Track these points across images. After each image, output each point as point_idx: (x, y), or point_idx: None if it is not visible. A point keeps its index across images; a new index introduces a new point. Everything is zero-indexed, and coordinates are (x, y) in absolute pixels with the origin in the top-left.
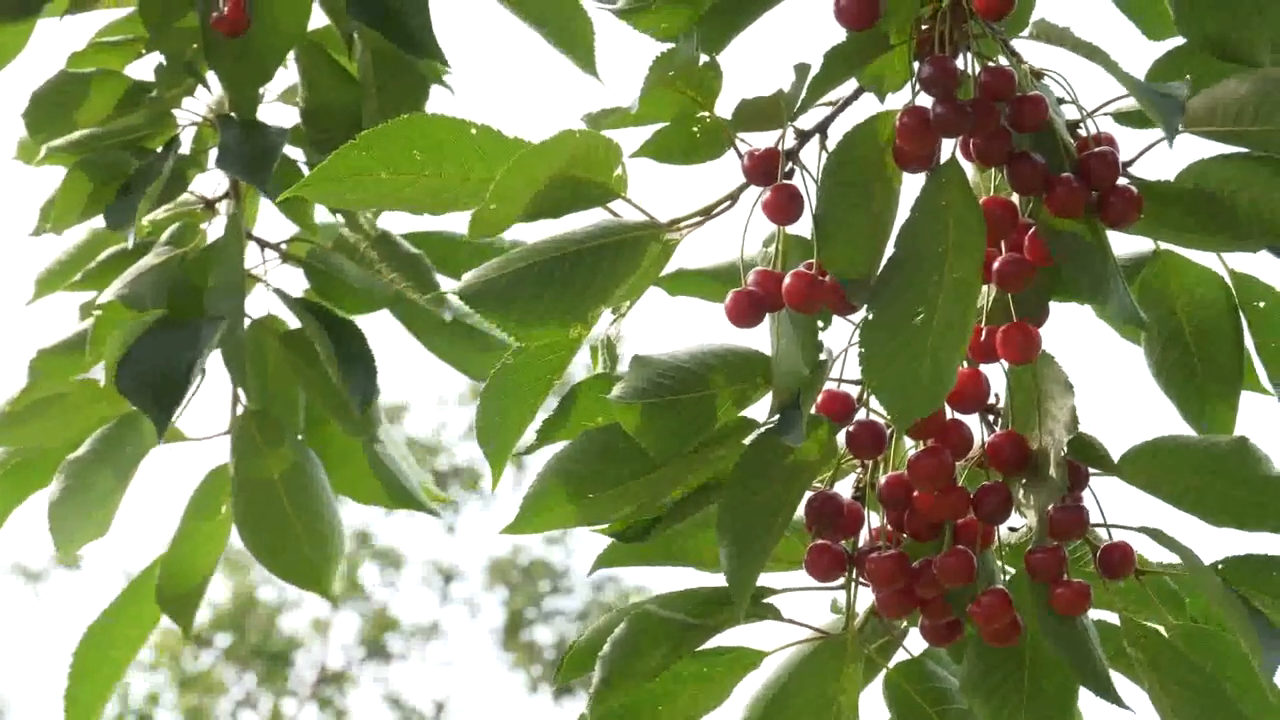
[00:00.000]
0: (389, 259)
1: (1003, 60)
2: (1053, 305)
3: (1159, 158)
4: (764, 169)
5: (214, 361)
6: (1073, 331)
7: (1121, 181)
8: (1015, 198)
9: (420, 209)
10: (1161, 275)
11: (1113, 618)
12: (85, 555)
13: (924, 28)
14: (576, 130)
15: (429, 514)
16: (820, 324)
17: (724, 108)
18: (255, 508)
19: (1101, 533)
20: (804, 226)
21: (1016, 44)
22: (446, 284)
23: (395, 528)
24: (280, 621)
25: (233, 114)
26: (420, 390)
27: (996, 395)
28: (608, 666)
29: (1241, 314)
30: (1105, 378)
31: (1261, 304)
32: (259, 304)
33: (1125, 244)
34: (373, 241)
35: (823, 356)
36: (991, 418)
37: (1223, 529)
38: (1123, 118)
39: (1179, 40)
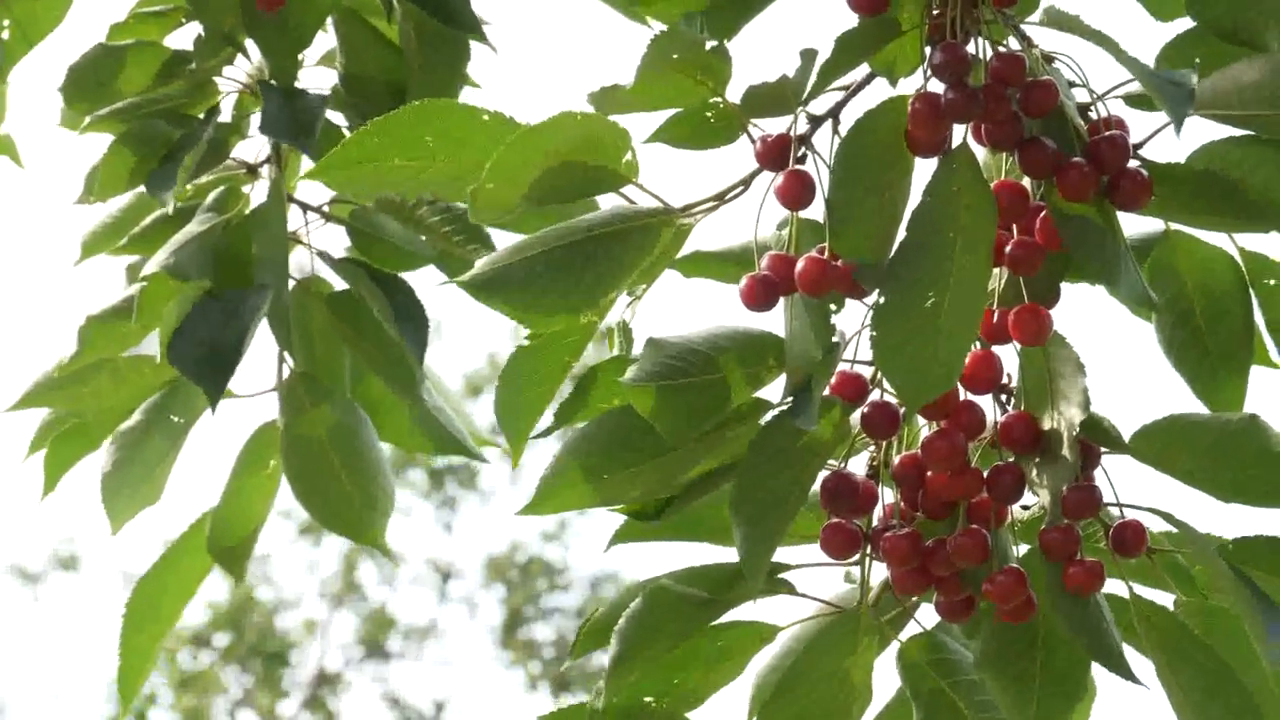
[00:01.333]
0: (441, 216)
1: (1014, 45)
2: (1065, 286)
3: (1170, 139)
4: (776, 154)
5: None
6: (1085, 311)
7: (1132, 165)
8: (1027, 182)
9: (435, 195)
10: (1172, 255)
11: (1123, 591)
12: (83, 557)
13: (935, 13)
14: (578, 112)
15: (477, 459)
16: (833, 307)
17: (737, 94)
18: (305, 465)
19: (1114, 511)
20: (816, 211)
21: (1027, 29)
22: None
23: (394, 527)
24: (278, 621)
25: (273, 81)
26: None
27: (1009, 376)
28: (624, 641)
29: (1252, 292)
30: (1118, 357)
31: (1272, 281)
32: (302, 266)
33: (1136, 224)
34: (421, 200)
35: (835, 339)
36: (1004, 398)
37: (1233, 505)
38: (1133, 100)
39: (1188, 22)
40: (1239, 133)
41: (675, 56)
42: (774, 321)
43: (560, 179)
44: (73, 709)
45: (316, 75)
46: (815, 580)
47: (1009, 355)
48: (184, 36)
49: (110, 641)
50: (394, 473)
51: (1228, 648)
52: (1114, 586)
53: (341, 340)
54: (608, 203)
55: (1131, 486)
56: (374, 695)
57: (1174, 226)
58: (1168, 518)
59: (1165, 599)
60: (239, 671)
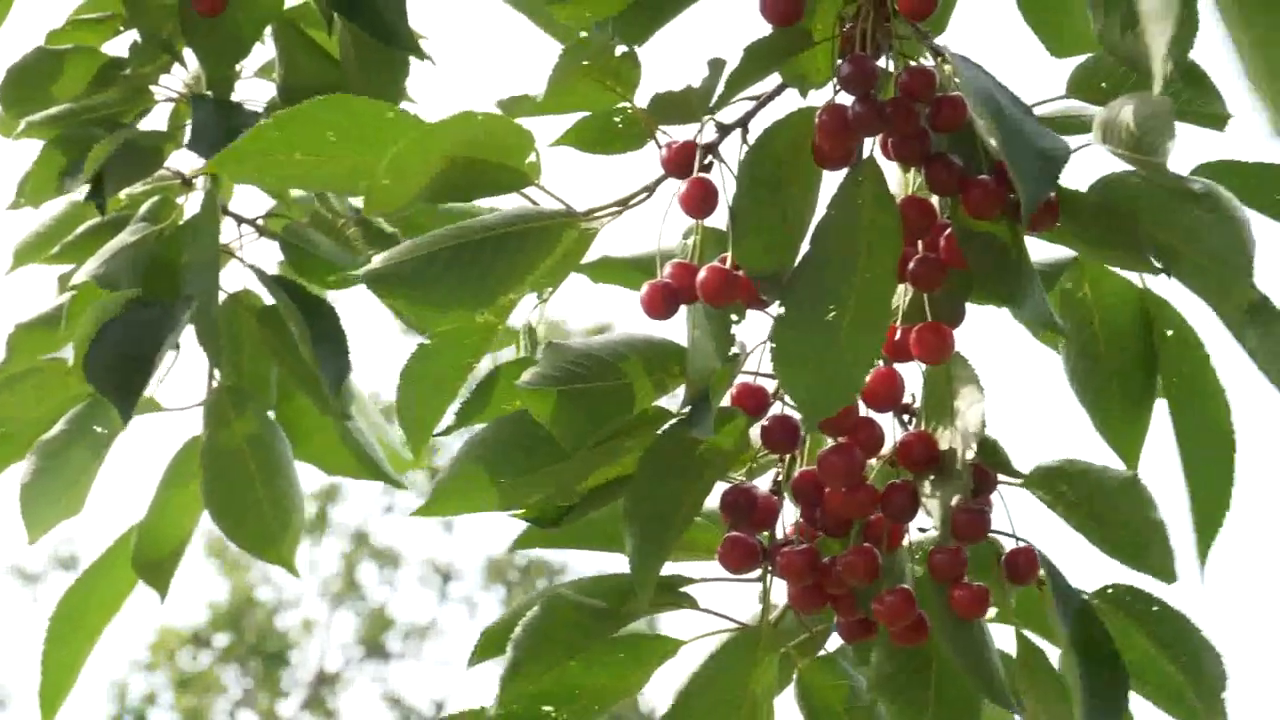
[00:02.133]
0: (366, 237)
1: (926, 60)
2: (973, 308)
3: (1083, 165)
4: (681, 161)
5: (189, 335)
6: (994, 334)
7: None
8: (934, 199)
9: (331, 189)
10: (1081, 283)
11: (1009, 632)
12: (82, 557)
13: (848, 26)
14: (478, 113)
15: (394, 485)
16: (734, 317)
17: (646, 100)
18: (223, 476)
19: (1008, 541)
20: (722, 220)
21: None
22: None
23: (393, 528)
24: (278, 621)
25: (208, 92)
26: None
27: (912, 395)
28: (519, 649)
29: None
30: (1027, 381)
31: (1170, 332)
32: (234, 279)
33: (1047, 250)
34: (349, 219)
35: (736, 350)
36: (906, 417)
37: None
38: (1045, 122)
39: (1081, 59)
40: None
41: (585, 62)
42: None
43: (460, 177)
44: (73, 708)
45: (254, 87)
46: (728, 598)
47: (914, 374)
48: (122, 44)
49: (111, 641)
50: (395, 475)
51: None
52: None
53: (270, 355)
54: (511, 204)
55: (1031, 520)
56: (374, 695)
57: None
58: (1043, 561)
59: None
60: (239, 671)
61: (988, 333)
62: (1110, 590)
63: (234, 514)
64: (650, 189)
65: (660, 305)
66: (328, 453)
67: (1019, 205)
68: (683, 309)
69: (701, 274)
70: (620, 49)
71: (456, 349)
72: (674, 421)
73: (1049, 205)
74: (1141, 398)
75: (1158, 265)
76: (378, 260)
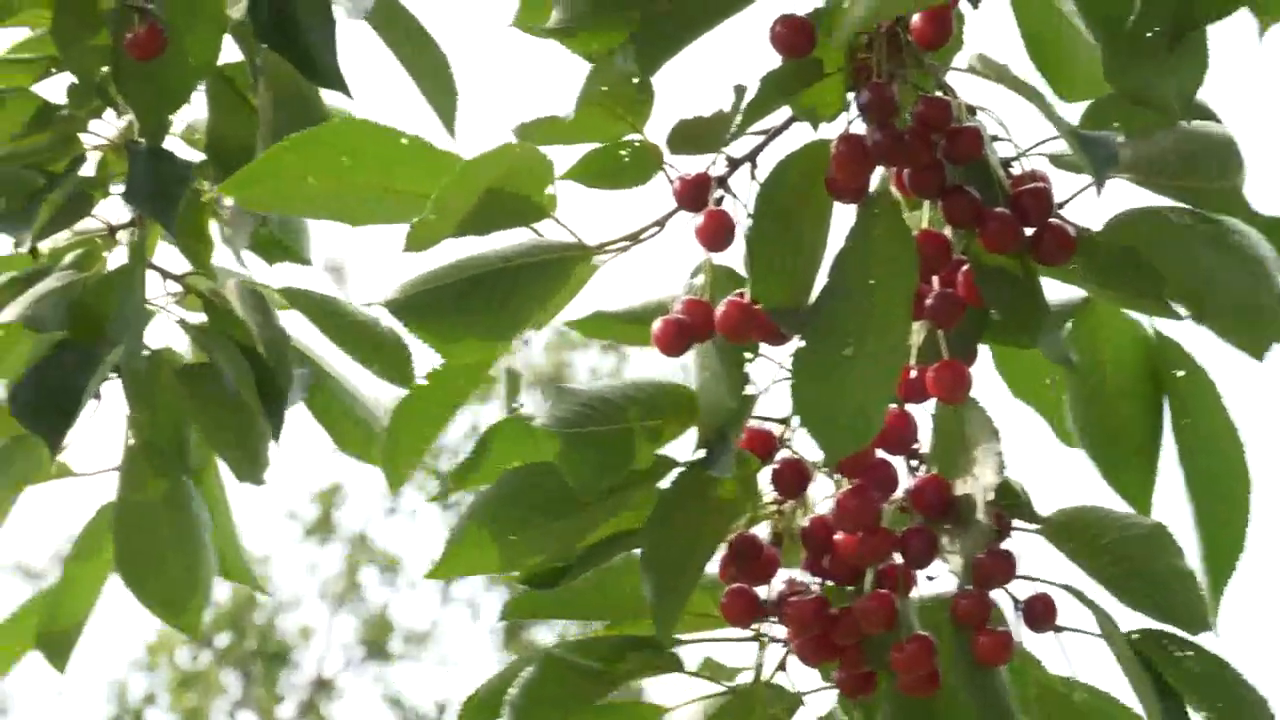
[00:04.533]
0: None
1: (937, 92)
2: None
3: (1090, 206)
4: (694, 194)
5: (110, 390)
6: (997, 378)
7: (1054, 220)
8: (949, 232)
9: (342, 218)
10: (1091, 325)
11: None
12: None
13: (859, 56)
14: (517, 144)
15: (257, 589)
16: (748, 355)
17: (653, 133)
18: (134, 535)
19: (1018, 586)
20: (730, 257)
21: (950, 79)
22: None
23: (396, 529)
24: (279, 622)
25: (140, 140)
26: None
27: (919, 439)
28: (515, 711)
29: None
30: (1031, 427)
31: (1180, 373)
32: (155, 337)
33: (1057, 290)
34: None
35: (749, 389)
36: (914, 461)
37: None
38: (1057, 160)
39: (1087, 103)
40: (1156, 202)
41: (605, 89)
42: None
43: (486, 210)
44: (74, 708)
45: (178, 148)
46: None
47: (920, 417)
48: (53, 87)
49: (112, 639)
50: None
51: None
52: None
53: (190, 415)
54: (519, 236)
55: (1043, 562)
56: (375, 696)
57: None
58: (1079, 596)
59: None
60: (239, 672)
61: (984, 373)
62: (1137, 635)
63: (140, 574)
64: (661, 223)
65: (673, 341)
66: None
67: (1035, 239)
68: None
69: (721, 308)
70: (635, 79)
71: (444, 390)
72: (689, 463)
73: (1067, 238)
74: (1151, 443)
75: (1180, 312)
76: (396, 289)
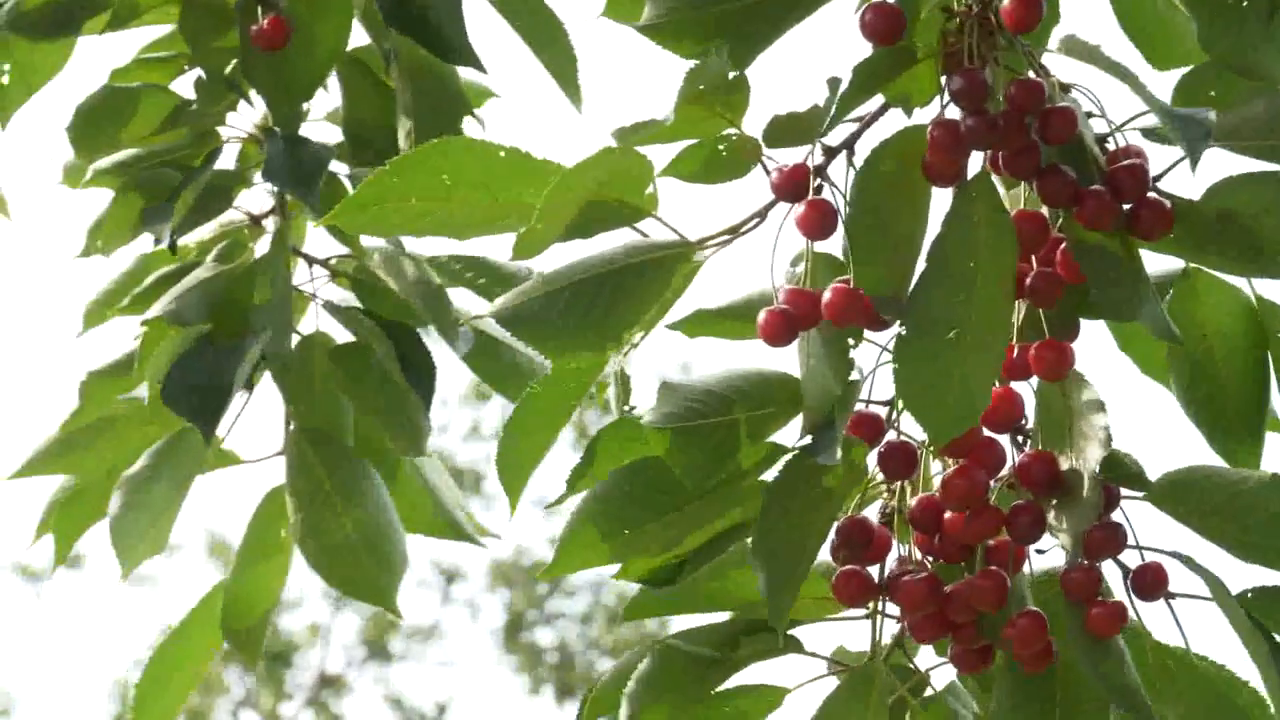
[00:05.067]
0: (406, 287)
1: (1030, 74)
2: (1085, 325)
3: (1186, 178)
4: (794, 185)
5: (266, 381)
6: (1102, 351)
7: (1151, 195)
8: (1046, 212)
9: (449, 234)
10: (1192, 296)
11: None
12: (85, 556)
13: (951, 41)
14: (616, 149)
15: (471, 542)
16: (851, 342)
17: (748, 126)
18: (313, 523)
19: (1128, 555)
20: (830, 245)
21: (1044, 59)
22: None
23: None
24: (281, 622)
25: (276, 129)
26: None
27: (1025, 416)
28: (635, 702)
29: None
30: (1136, 398)
31: None
32: (307, 321)
33: (1155, 263)
34: (417, 259)
35: (854, 375)
36: (1020, 438)
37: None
38: (1151, 134)
39: (1182, 71)
40: (1255, 167)
41: (702, 88)
42: (778, 363)
43: (589, 214)
44: (77, 707)
45: (321, 130)
46: (817, 643)
47: (1024, 393)
48: (188, 83)
49: (114, 640)
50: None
51: (1238, 700)
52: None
53: (344, 395)
54: (623, 237)
55: (1147, 531)
56: (376, 696)
57: (1193, 266)
58: (1188, 562)
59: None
60: (241, 672)
61: (1096, 347)
62: (1251, 595)
63: (331, 563)
64: (762, 214)
65: (779, 332)
66: (406, 508)
67: (1132, 215)
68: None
69: (827, 295)
70: (732, 74)
71: (560, 392)
72: (796, 451)
73: (1164, 213)
74: (1259, 408)
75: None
76: (505, 299)
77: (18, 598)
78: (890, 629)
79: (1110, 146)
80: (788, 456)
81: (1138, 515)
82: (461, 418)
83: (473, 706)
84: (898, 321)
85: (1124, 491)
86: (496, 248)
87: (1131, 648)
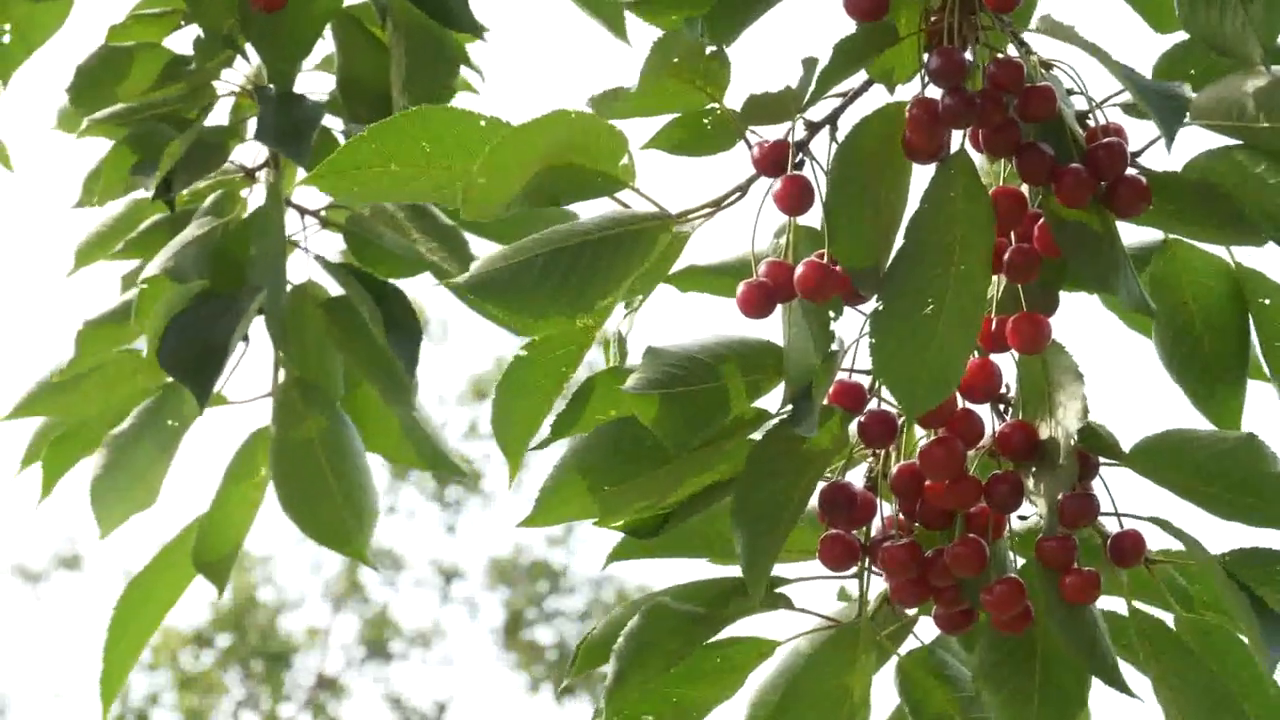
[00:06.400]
0: (425, 230)
1: (1012, 52)
2: (1064, 295)
3: (1166, 151)
4: (774, 160)
5: (257, 327)
6: (1083, 321)
7: (1130, 172)
8: (1025, 188)
9: (429, 200)
10: (1171, 265)
11: (1121, 607)
12: (85, 556)
13: (933, 19)
14: (572, 111)
15: (460, 475)
16: (831, 314)
17: (734, 100)
18: (293, 469)
19: (1110, 521)
20: (813, 218)
21: (1025, 37)
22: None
23: (396, 528)
24: (280, 622)
25: (270, 85)
26: (420, 390)
27: (1007, 385)
28: (622, 659)
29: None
30: (1116, 366)
31: (1266, 301)
32: (298, 270)
33: (1135, 234)
34: (408, 213)
35: (834, 346)
36: (1002, 408)
37: (1231, 523)
38: (1131, 109)
39: (1169, 44)
40: (1233, 142)
41: (676, 60)
42: (773, 330)
43: (555, 180)
44: (74, 708)
45: (315, 79)
46: (810, 597)
47: (1006, 364)
48: (182, 38)
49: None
50: (396, 475)
51: (1224, 667)
52: (1113, 604)
53: (335, 346)
54: (603, 207)
55: (1131, 497)
56: (376, 696)
57: (1173, 237)
58: (1166, 526)
59: (1164, 616)
60: (241, 672)
61: (1077, 316)
62: (1229, 557)
63: (307, 508)
64: (743, 188)
65: (757, 304)
66: (393, 444)
67: (1110, 192)
68: (779, 308)
69: (799, 270)
70: (710, 48)
71: (553, 359)
72: (777, 420)
73: (1142, 190)
74: (1239, 370)
75: (1262, 239)
76: (474, 267)
77: (17, 598)
78: (879, 585)
79: (1090, 124)
80: (767, 425)
81: (1120, 483)
82: (460, 416)
83: (473, 705)
84: (874, 297)
85: (1103, 460)
86: None
87: (1113, 619)
